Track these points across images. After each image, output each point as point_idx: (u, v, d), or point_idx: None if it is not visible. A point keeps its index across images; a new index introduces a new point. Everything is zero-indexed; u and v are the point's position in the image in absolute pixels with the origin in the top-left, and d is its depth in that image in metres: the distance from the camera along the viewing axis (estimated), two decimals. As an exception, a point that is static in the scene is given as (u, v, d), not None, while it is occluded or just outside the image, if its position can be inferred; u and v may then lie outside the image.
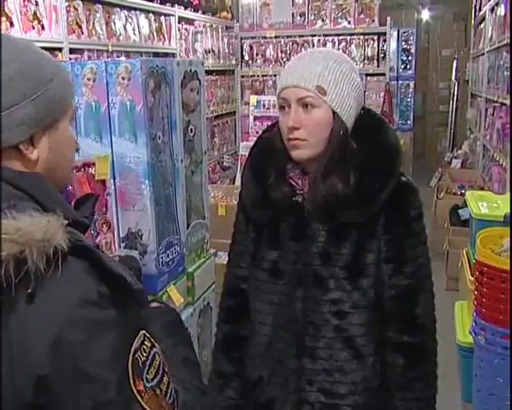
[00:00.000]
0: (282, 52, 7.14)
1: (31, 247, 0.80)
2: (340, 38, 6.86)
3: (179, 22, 5.64)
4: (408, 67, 7.91)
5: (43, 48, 1.04)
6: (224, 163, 6.62)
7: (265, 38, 7.22)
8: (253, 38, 7.32)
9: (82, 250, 0.86)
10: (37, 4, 3.48)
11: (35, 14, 3.46)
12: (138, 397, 0.86)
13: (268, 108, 4.51)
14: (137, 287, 0.91)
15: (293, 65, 1.42)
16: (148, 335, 0.91)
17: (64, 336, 0.81)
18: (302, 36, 7.04)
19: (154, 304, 1.35)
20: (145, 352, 0.89)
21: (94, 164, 1.68)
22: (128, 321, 0.88)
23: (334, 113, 1.38)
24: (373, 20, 6.77)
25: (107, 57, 4.25)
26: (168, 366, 1.01)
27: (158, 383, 0.90)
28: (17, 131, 0.92)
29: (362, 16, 6.79)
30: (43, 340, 0.81)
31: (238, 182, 4.43)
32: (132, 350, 0.86)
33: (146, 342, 0.90)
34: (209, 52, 6.32)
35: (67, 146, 1.04)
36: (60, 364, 0.81)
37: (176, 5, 5.52)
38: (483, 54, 6.59)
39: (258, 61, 7.29)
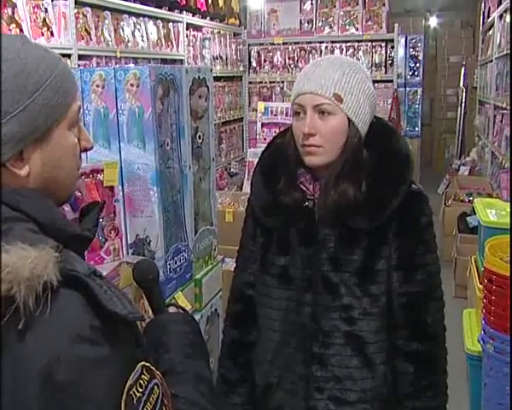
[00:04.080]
0: (289, 59, 7.13)
1: (19, 284, 0.76)
2: (348, 44, 6.85)
3: (187, 29, 5.66)
4: (416, 73, 7.90)
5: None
6: (232, 169, 6.63)
7: (273, 44, 7.22)
8: (260, 44, 7.32)
9: (75, 281, 0.82)
10: (46, 11, 3.51)
11: (44, 20, 3.49)
12: None
13: (276, 115, 4.50)
14: (134, 317, 0.86)
15: (309, 71, 1.41)
16: (147, 365, 0.87)
17: (54, 376, 0.77)
18: (310, 42, 7.04)
19: (172, 309, 1.29)
20: (141, 387, 0.84)
21: (102, 170, 1.68)
22: (123, 356, 0.84)
23: (349, 120, 1.39)
24: (381, 27, 6.76)
25: (116, 63, 4.27)
26: (177, 385, 0.99)
27: None
28: (1, 150, 0.86)
29: (370, 23, 6.78)
30: (33, 380, 0.77)
31: (245, 188, 4.43)
32: (127, 387, 0.82)
33: (143, 376, 0.85)
34: (217, 58, 6.33)
35: (66, 155, 0.96)
36: (49, 405, 0.77)
37: (184, 12, 5.54)
38: (491, 61, 6.57)
39: (266, 67, 7.29)
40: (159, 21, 5.11)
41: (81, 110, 1.25)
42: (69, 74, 0.97)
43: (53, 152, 0.93)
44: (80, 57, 3.84)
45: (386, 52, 6.80)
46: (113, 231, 1.72)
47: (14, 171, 0.89)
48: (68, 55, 3.70)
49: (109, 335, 0.82)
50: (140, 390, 0.84)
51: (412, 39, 7.94)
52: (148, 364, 0.87)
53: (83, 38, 3.90)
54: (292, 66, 7.08)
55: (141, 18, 4.79)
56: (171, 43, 5.35)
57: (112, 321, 0.82)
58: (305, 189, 1.47)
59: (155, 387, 0.87)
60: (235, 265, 1.67)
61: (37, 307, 0.77)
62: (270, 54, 7.26)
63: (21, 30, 3.26)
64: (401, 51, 7.49)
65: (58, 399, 0.77)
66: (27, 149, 0.89)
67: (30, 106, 0.88)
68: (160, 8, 5.11)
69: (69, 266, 0.82)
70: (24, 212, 0.87)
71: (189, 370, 1.08)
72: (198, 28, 6.02)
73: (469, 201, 5.59)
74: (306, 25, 7.07)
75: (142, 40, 4.78)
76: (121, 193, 1.78)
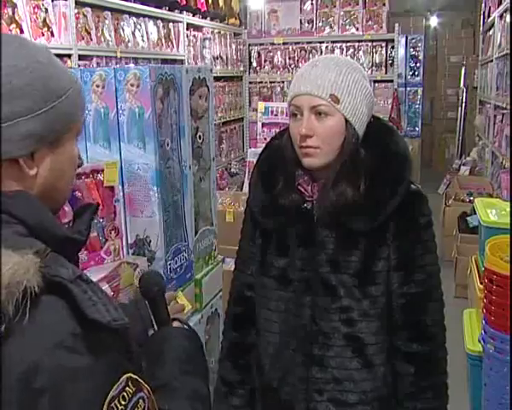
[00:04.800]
0: (290, 59, 7.13)
1: None
2: (348, 44, 6.84)
3: (187, 29, 5.65)
4: (416, 73, 7.91)
5: (52, 55, 1.01)
6: (232, 169, 6.62)
7: (273, 44, 7.21)
8: (261, 44, 7.31)
9: (58, 287, 0.79)
10: (46, 11, 3.50)
11: (44, 20, 3.48)
12: None
13: (276, 115, 4.49)
14: (117, 324, 0.82)
15: (305, 72, 1.40)
16: (133, 377, 0.84)
17: (31, 384, 0.75)
18: (310, 42, 7.03)
19: (176, 323, 1.28)
20: (124, 399, 0.81)
21: (102, 170, 1.68)
22: (106, 366, 0.81)
23: (346, 121, 1.38)
24: (381, 27, 6.75)
25: (116, 63, 4.27)
26: (171, 400, 0.98)
27: None
28: (18, 145, 0.87)
29: (370, 23, 6.78)
30: (11, 387, 0.75)
31: (246, 188, 4.42)
32: (108, 399, 0.79)
33: (128, 388, 0.82)
34: (217, 59, 6.33)
35: (69, 165, 0.98)
36: None
37: (184, 12, 5.53)
38: (492, 60, 6.57)
39: (266, 67, 7.28)
40: (159, 21, 5.10)
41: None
42: (83, 91, 1.02)
43: (60, 159, 0.95)
44: (80, 57, 3.83)
45: (386, 52, 6.79)
46: (113, 232, 1.72)
47: (24, 168, 0.89)
48: (68, 56, 3.70)
49: (92, 343, 0.80)
50: (123, 403, 0.81)
51: (412, 39, 7.94)
52: (135, 376, 0.85)
53: (83, 38, 3.90)
54: (292, 66, 7.07)
55: (141, 18, 4.79)
56: (172, 43, 5.35)
57: (95, 328, 0.80)
58: (303, 190, 1.46)
59: (140, 401, 0.84)
60: (234, 266, 1.67)
61: (16, 314, 0.76)
62: (271, 54, 7.25)
63: (21, 30, 3.25)
64: (401, 51, 7.50)
65: (35, 407, 0.76)
66: (40, 150, 0.91)
67: (54, 109, 0.90)
68: (160, 8, 5.10)
69: (53, 271, 0.81)
70: (11, 214, 0.86)
71: (184, 386, 1.06)
72: (198, 28, 6.02)
73: (470, 201, 5.59)
74: (306, 25, 7.06)
75: (143, 40, 4.78)
76: (121, 193, 1.78)
